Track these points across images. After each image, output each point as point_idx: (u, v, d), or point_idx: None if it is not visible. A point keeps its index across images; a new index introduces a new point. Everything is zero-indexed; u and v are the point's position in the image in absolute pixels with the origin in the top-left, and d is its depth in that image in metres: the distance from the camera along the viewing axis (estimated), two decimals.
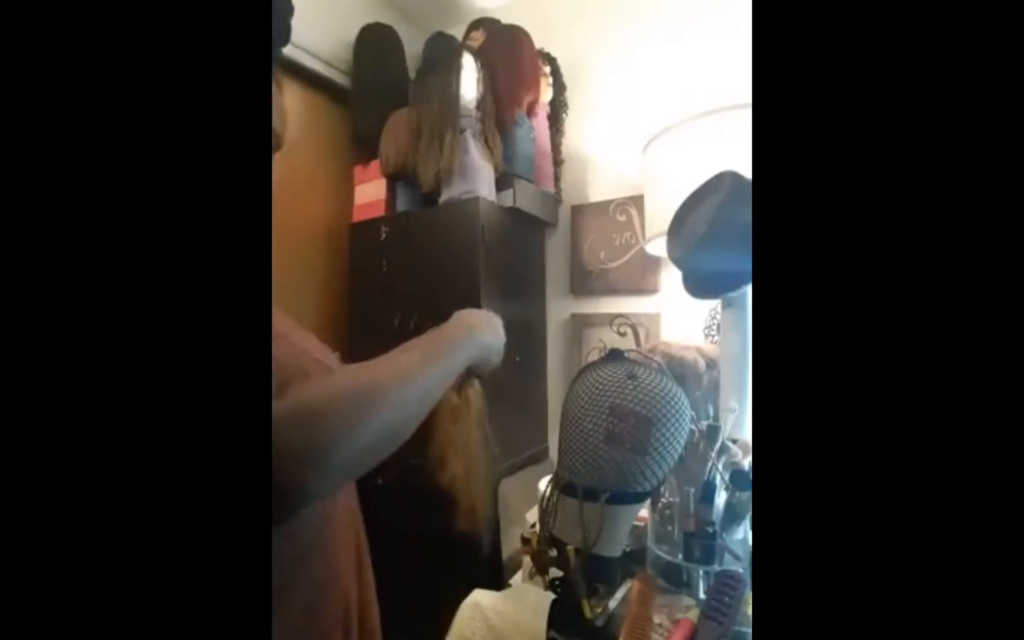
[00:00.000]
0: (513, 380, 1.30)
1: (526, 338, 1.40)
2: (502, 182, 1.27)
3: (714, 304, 1.08)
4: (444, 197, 1.25)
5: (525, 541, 0.83)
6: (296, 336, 0.46)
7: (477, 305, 1.15)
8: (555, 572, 0.75)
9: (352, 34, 1.46)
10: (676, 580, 0.72)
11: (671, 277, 1.27)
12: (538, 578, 0.78)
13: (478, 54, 1.29)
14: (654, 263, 1.30)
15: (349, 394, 0.37)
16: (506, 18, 1.43)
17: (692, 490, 0.69)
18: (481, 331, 0.55)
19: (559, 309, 1.47)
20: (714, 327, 1.09)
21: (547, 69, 1.39)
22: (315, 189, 1.49)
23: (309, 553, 0.46)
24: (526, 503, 1.03)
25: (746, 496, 0.66)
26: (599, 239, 1.40)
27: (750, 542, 0.67)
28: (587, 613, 0.69)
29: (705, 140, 0.89)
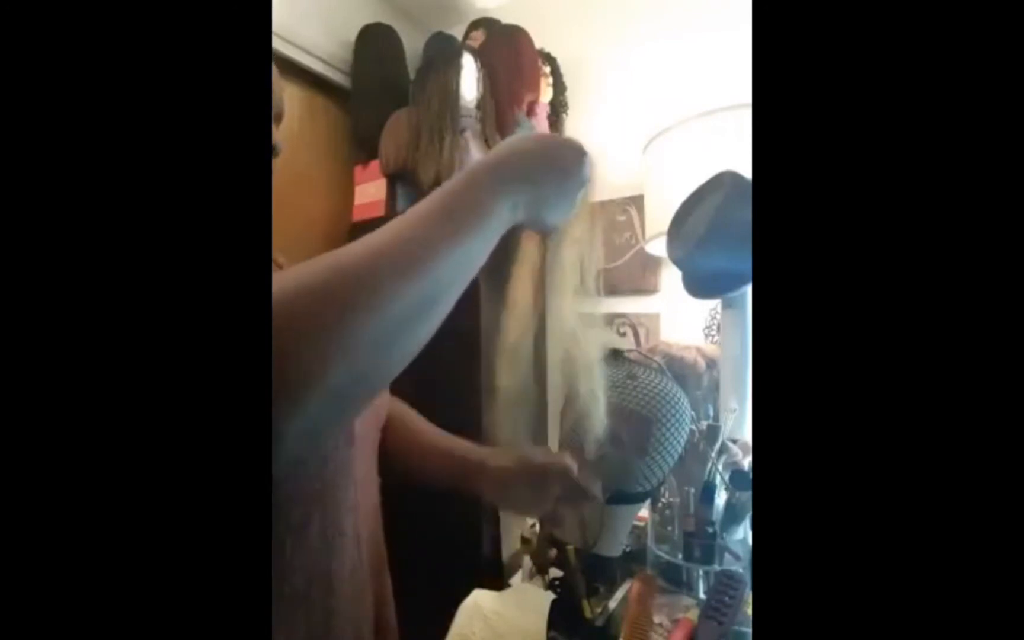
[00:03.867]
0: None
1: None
2: None
3: (714, 304, 1.08)
4: None
5: (525, 541, 0.83)
6: None
7: (476, 305, 1.16)
8: (555, 572, 0.75)
9: (352, 34, 1.45)
10: (676, 580, 0.72)
11: (671, 277, 1.26)
12: (538, 578, 0.78)
13: (478, 54, 1.29)
14: (654, 263, 1.30)
15: (331, 289, 0.26)
16: (506, 18, 1.43)
17: (692, 490, 0.69)
18: (522, 169, 0.35)
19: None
20: (714, 327, 1.09)
21: (547, 69, 1.39)
22: (315, 189, 1.49)
23: (330, 550, 0.46)
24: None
25: (746, 496, 0.66)
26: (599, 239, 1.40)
27: (750, 542, 0.67)
28: (587, 613, 0.69)
29: (705, 140, 0.89)
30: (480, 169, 0.34)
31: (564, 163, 0.39)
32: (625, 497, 0.64)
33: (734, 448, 0.72)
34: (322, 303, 0.25)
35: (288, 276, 0.26)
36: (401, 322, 0.28)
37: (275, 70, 0.50)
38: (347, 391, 0.27)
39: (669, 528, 0.74)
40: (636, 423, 0.62)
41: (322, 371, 0.25)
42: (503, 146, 0.37)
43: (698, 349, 0.92)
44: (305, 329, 0.24)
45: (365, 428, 0.53)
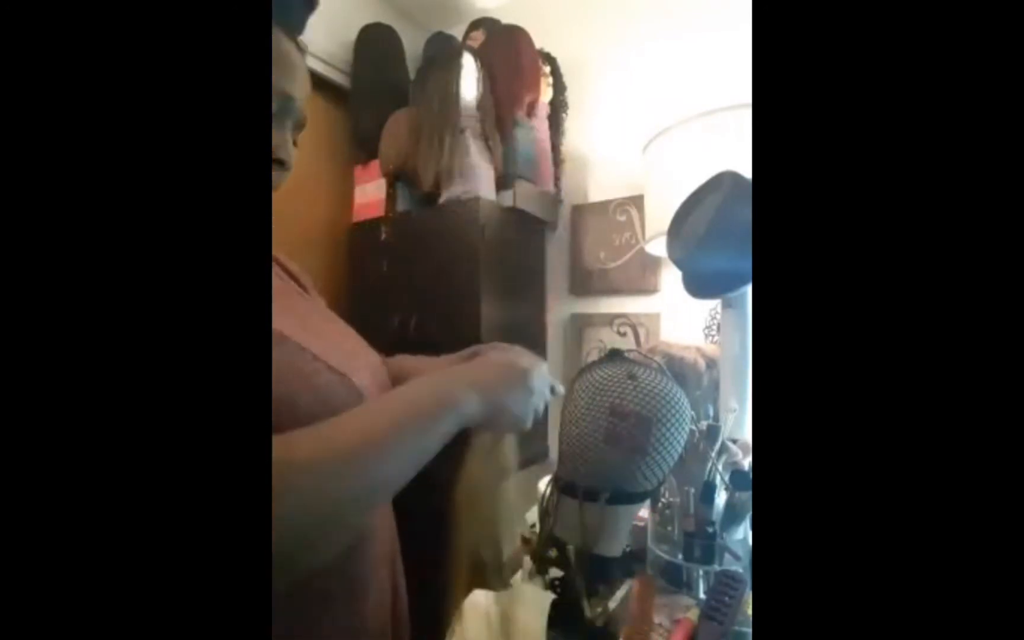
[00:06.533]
0: None
1: (526, 338, 1.40)
2: (502, 182, 1.27)
3: (714, 304, 1.08)
4: (444, 197, 1.25)
5: (525, 541, 0.83)
6: (306, 337, 0.43)
7: (477, 306, 1.16)
8: (555, 572, 0.75)
9: (352, 34, 1.45)
10: (676, 580, 0.72)
11: (671, 277, 1.26)
12: (538, 578, 0.78)
13: (478, 54, 1.29)
14: (654, 263, 1.30)
15: (296, 466, 0.31)
16: (506, 18, 1.43)
17: (692, 490, 0.69)
18: (489, 388, 0.45)
19: (559, 309, 1.47)
20: (714, 327, 1.09)
21: (547, 69, 1.39)
22: (315, 189, 1.49)
23: (347, 562, 0.46)
24: (526, 503, 1.03)
25: (746, 496, 0.66)
26: (599, 239, 1.40)
27: (750, 542, 0.67)
28: (587, 613, 0.69)
29: (705, 140, 0.89)
30: (442, 401, 0.41)
31: (520, 386, 0.47)
32: (625, 497, 0.64)
33: (734, 448, 0.72)
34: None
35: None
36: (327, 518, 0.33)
37: (306, 70, 0.48)
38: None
39: (669, 528, 0.74)
40: (636, 423, 0.62)
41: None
42: (465, 380, 0.44)
43: (698, 349, 0.92)
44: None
45: None
